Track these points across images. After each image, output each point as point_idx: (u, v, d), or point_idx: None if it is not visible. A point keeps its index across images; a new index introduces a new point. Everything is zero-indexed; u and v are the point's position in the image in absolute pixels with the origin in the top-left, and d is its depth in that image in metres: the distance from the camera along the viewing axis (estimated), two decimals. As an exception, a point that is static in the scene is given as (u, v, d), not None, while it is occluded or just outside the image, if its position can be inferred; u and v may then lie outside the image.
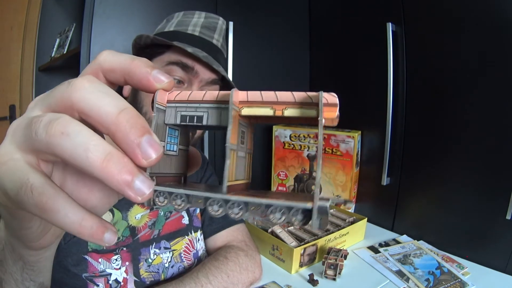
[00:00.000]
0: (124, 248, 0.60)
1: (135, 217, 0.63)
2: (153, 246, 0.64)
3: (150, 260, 0.63)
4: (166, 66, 0.60)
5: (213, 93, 0.22)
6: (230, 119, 0.20)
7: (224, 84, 0.67)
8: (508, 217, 0.78)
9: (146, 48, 0.62)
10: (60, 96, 0.18)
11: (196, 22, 0.64)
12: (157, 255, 0.64)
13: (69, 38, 1.17)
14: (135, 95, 0.62)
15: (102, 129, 0.17)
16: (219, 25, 0.65)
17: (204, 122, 0.22)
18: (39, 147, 0.17)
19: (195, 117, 0.22)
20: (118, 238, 0.60)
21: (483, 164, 0.85)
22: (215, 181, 0.81)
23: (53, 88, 0.19)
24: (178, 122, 0.22)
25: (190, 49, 0.57)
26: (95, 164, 0.16)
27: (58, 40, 1.27)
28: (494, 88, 0.82)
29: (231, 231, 0.75)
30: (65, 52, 1.12)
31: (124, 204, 0.61)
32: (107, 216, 0.59)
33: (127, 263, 0.60)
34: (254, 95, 0.21)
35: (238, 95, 0.21)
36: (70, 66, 1.23)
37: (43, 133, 0.17)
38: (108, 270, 0.57)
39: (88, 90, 0.17)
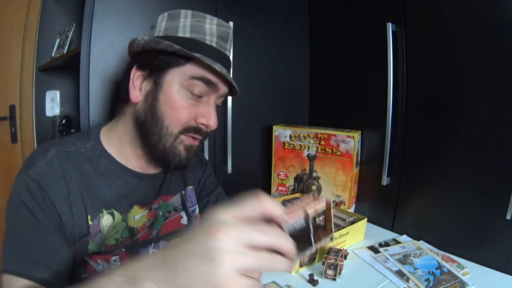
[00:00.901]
0: (123, 249, 0.60)
1: (134, 218, 0.62)
2: (151, 246, 0.64)
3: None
4: (190, 80, 0.58)
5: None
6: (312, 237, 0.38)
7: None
8: (508, 217, 0.78)
9: (159, 53, 0.58)
10: (253, 206, 0.32)
11: (210, 30, 0.60)
12: None
13: (69, 38, 1.17)
14: (153, 105, 0.58)
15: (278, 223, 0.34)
16: (230, 35, 0.64)
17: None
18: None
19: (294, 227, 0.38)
20: (117, 239, 0.60)
21: (483, 164, 0.85)
22: (213, 182, 0.81)
23: (238, 208, 0.31)
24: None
25: (217, 67, 0.57)
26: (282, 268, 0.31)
27: (58, 40, 1.27)
28: (494, 88, 0.82)
29: None
30: (65, 52, 1.12)
31: (124, 207, 0.61)
32: (108, 220, 0.59)
33: None
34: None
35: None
36: (70, 66, 1.23)
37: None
38: (107, 271, 0.57)
39: (271, 203, 0.33)
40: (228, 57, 0.63)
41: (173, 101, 0.58)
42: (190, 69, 0.58)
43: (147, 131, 0.59)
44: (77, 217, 0.55)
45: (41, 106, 1.38)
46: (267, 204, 0.32)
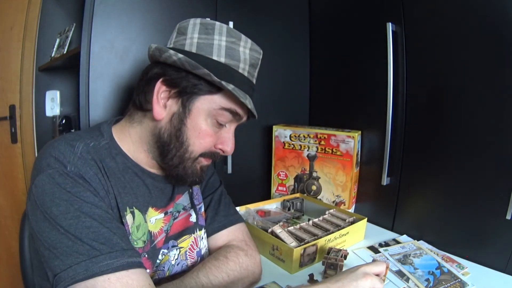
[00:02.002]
0: (146, 255, 0.59)
1: (150, 221, 0.62)
2: (162, 247, 0.64)
3: (158, 261, 0.63)
4: (220, 111, 0.58)
5: None
6: None
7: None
8: (508, 217, 0.78)
9: (194, 76, 0.56)
10: (377, 268, 0.57)
11: (244, 55, 0.60)
12: (165, 255, 0.64)
13: (69, 38, 1.17)
14: (179, 128, 0.58)
15: None
16: (259, 61, 0.65)
17: None
18: None
19: None
20: (144, 241, 0.59)
21: (483, 164, 0.85)
22: (216, 181, 0.81)
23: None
24: None
25: (248, 102, 0.58)
26: None
27: (58, 40, 1.27)
28: (494, 88, 0.82)
29: (232, 230, 0.75)
30: (65, 52, 1.12)
31: (142, 207, 0.60)
32: (130, 219, 0.57)
33: (148, 271, 0.58)
34: None
35: None
36: (70, 66, 1.23)
37: None
38: None
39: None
40: (254, 85, 0.65)
41: (200, 129, 0.59)
42: (221, 99, 0.58)
43: (170, 151, 0.59)
44: (116, 211, 0.55)
45: (41, 106, 1.38)
46: (381, 267, 0.57)
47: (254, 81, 0.64)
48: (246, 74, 0.60)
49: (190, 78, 0.56)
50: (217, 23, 0.60)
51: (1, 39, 1.40)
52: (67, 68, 1.31)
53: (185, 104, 0.58)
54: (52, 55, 1.26)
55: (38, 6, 1.35)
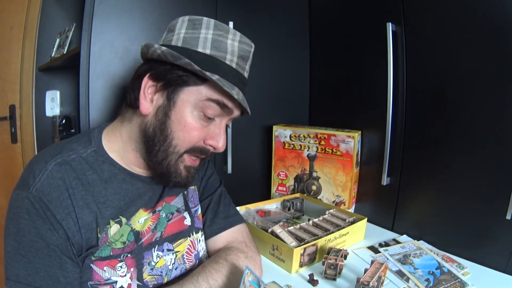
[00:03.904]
0: (129, 255, 0.59)
1: (138, 221, 0.61)
2: (155, 249, 0.63)
3: (153, 263, 0.62)
4: (206, 102, 0.56)
5: None
6: None
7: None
8: (508, 217, 0.78)
9: (178, 69, 0.56)
10: None
11: (232, 47, 0.58)
12: (160, 258, 0.64)
13: (69, 38, 1.16)
14: (163, 121, 0.57)
15: None
16: (251, 54, 0.62)
17: None
18: None
19: None
20: (124, 242, 0.59)
21: (483, 164, 0.85)
22: (216, 181, 0.80)
23: None
24: None
25: (234, 93, 0.56)
26: None
27: (58, 40, 1.27)
28: (494, 88, 0.82)
29: (231, 232, 0.74)
30: (65, 52, 1.12)
31: (130, 211, 0.60)
32: (115, 228, 0.57)
33: (132, 269, 0.59)
34: None
35: None
36: (70, 66, 1.23)
37: None
38: (114, 278, 0.56)
39: None
40: (245, 79, 0.62)
41: (185, 122, 0.57)
42: (207, 90, 0.56)
43: (154, 146, 0.58)
44: (85, 231, 0.54)
45: (41, 106, 1.38)
46: None
47: (246, 75, 0.62)
48: (234, 65, 0.58)
49: (175, 70, 0.56)
50: (205, 18, 0.59)
51: (1, 39, 1.40)
52: (67, 68, 1.31)
53: (170, 97, 0.57)
54: (52, 55, 1.26)
55: (38, 6, 1.35)
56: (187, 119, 0.57)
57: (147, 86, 0.57)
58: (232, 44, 0.58)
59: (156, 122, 0.57)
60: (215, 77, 0.55)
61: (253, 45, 0.62)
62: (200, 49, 0.57)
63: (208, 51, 0.57)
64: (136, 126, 0.60)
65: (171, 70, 0.56)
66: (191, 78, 0.56)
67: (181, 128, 0.57)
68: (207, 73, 0.54)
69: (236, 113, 0.61)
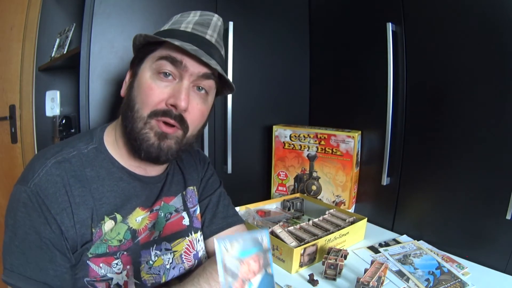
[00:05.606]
0: (125, 252, 0.59)
1: (136, 220, 0.62)
2: (153, 248, 0.64)
3: (151, 262, 0.63)
4: (157, 61, 0.58)
5: None
6: None
7: (222, 82, 0.65)
8: (508, 217, 0.78)
9: (142, 48, 0.62)
10: None
11: (190, 20, 0.63)
12: (158, 257, 0.64)
13: (69, 38, 1.17)
14: (129, 93, 0.61)
15: None
16: (213, 21, 0.64)
17: None
18: None
19: None
20: (120, 240, 0.59)
21: (483, 164, 0.85)
22: (215, 181, 0.80)
23: None
24: None
25: (177, 43, 0.56)
26: None
27: (58, 40, 1.27)
28: (494, 88, 0.82)
29: (230, 232, 0.75)
30: (65, 52, 1.12)
31: (127, 209, 0.61)
32: (110, 225, 0.58)
33: (128, 267, 0.59)
34: None
35: None
36: (70, 66, 1.23)
37: None
38: (109, 275, 0.57)
39: None
40: (207, 39, 0.62)
41: (143, 84, 0.59)
42: (160, 52, 0.59)
43: (127, 122, 0.59)
44: (80, 227, 0.55)
45: (41, 106, 1.38)
46: None
47: (210, 38, 0.62)
48: (189, 30, 0.61)
49: (141, 50, 0.62)
50: (194, 11, 0.65)
51: (1, 39, 1.40)
52: (67, 68, 1.31)
53: (135, 72, 0.61)
54: (52, 55, 1.26)
55: (38, 6, 1.35)
56: (145, 81, 0.59)
57: (129, 75, 0.64)
58: (191, 18, 0.64)
59: (126, 98, 0.62)
60: (163, 39, 0.58)
61: (216, 15, 0.66)
62: (161, 29, 0.64)
63: (167, 27, 0.64)
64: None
65: (137, 52, 0.63)
66: (148, 49, 0.60)
67: (140, 92, 0.59)
68: (154, 36, 0.59)
69: (194, 68, 0.59)
